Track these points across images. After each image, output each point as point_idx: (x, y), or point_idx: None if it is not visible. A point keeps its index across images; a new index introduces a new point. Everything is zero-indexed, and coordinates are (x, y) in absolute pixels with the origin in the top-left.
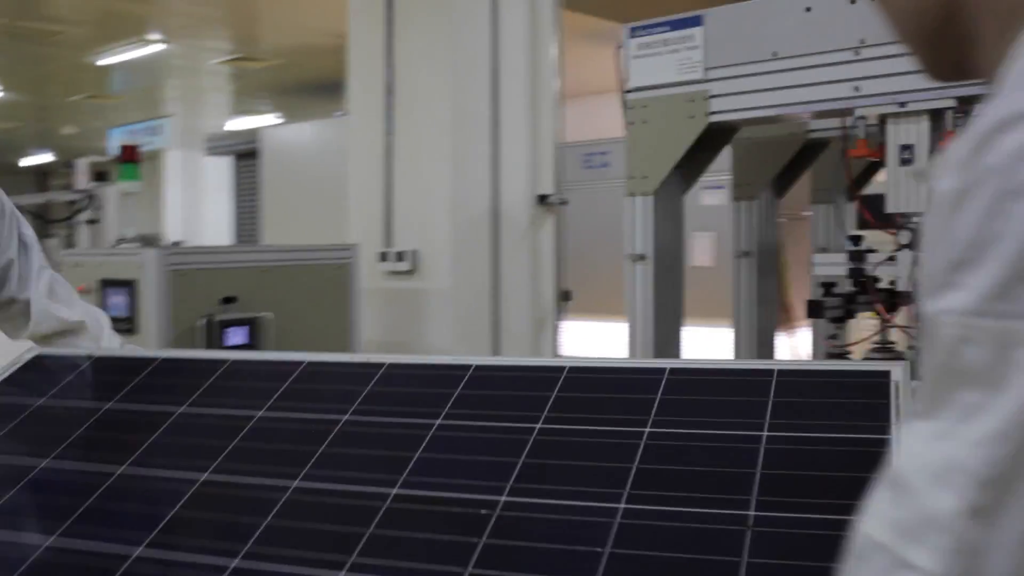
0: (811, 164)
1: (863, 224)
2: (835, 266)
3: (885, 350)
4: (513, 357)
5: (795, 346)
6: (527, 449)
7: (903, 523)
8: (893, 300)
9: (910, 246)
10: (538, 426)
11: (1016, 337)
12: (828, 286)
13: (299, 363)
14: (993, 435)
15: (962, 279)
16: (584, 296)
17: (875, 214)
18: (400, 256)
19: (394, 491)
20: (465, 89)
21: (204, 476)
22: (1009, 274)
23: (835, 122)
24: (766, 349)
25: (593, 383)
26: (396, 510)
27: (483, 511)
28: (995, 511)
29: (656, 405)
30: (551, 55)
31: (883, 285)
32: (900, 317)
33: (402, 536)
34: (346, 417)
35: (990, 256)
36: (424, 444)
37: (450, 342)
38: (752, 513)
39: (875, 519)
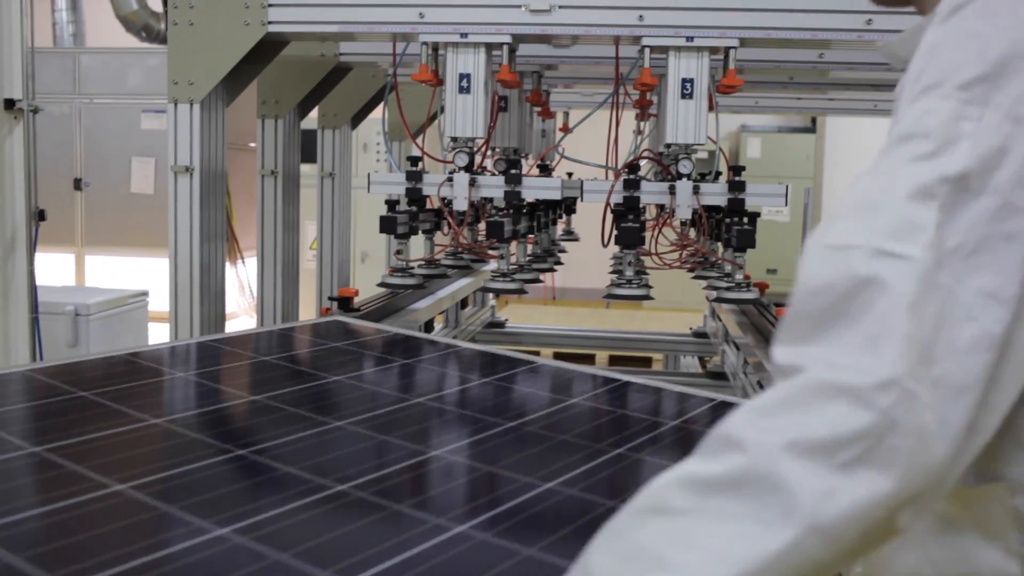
0: (333, 87)
1: None
2: (394, 186)
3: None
4: None
5: (241, 277)
6: None
7: (882, 228)
8: (463, 218)
9: (467, 168)
10: None
11: (962, 112)
12: (392, 204)
13: None
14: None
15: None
16: None
17: None
18: None
19: None
20: None
21: None
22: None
23: (365, 47)
24: (291, 270)
25: None
26: None
27: None
28: (955, 208)
29: None
30: None
31: (434, 206)
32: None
33: None
34: None
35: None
36: None
37: None
38: None
39: (839, 232)
